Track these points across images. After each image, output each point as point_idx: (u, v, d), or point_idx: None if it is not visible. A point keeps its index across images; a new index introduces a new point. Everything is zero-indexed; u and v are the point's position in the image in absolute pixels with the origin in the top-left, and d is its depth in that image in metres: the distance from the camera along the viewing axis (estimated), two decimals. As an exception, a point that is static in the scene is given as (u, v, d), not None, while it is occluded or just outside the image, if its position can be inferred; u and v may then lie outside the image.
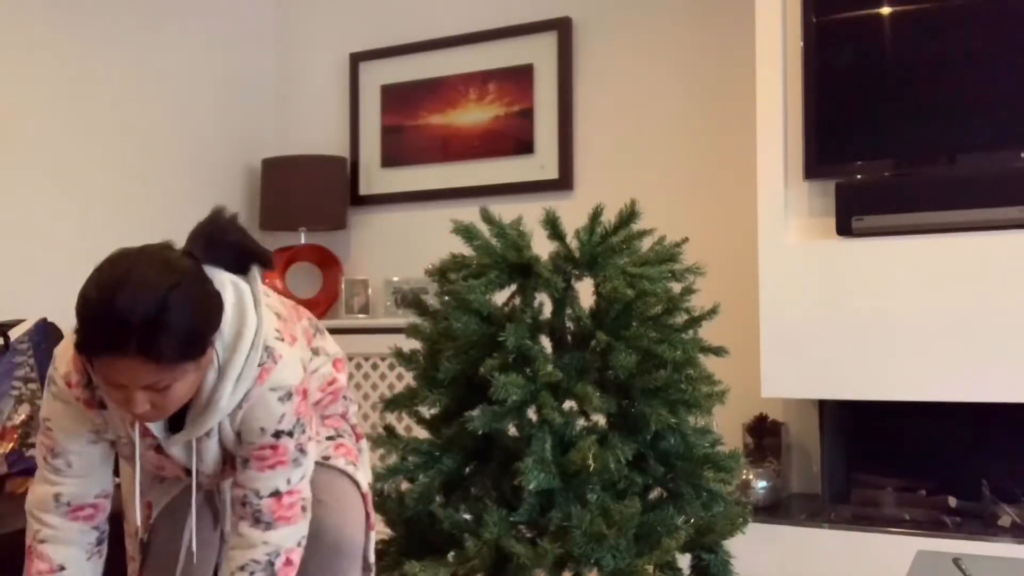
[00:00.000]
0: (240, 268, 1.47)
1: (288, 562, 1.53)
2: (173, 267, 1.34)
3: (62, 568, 1.53)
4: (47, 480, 1.54)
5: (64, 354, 1.50)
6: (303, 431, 1.52)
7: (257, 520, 1.51)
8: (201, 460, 1.55)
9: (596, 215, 1.99)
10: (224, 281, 1.43)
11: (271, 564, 1.51)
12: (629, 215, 1.99)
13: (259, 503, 1.51)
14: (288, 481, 1.52)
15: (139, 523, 1.65)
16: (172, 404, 1.38)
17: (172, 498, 1.69)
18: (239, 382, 1.43)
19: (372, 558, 1.74)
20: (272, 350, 1.47)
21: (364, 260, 3.87)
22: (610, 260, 1.95)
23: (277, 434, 1.49)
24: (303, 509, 1.55)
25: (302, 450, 1.53)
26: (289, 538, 1.52)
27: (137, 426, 1.48)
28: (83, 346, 1.31)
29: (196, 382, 1.40)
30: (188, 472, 1.56)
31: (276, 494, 1.51)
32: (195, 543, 1.63)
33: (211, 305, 1.37)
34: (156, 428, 1.49)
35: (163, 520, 1.70)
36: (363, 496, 1.74)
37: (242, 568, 1.51)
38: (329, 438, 1.77)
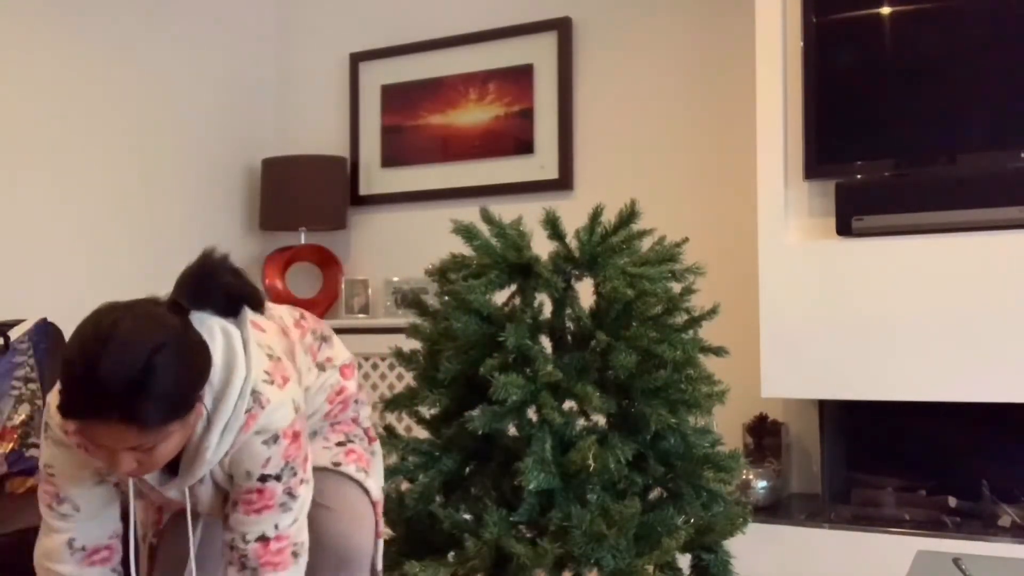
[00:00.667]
0: (230, 311, 1.45)
1: None
2: (158, 325, 1.31)
3: None
4: (55, 529, 1.50)
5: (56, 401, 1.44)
6: (293, 474, 1.47)
7: (243, 566, 1.47)
8: (198, 501, 1.52)
9: (596, 215, 1.99)
10: (213, 327, 1.41)
11: None
12: (629, 215, 1.98)
13: (246, 548, 1.46)
14: (276, 526, 1.47)
15: (148, 528, 1.64)
16: (159, 461, 1.35)
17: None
18: (225, 432, 1.40)
19: (380, 566, 1.71)
20: (259, 395, 1.43)
21: (364, 260, 3.87)
22: (610, 260, 1.94)
23: (263, 478, 1.45)
24: (294, 555, 1.50)
25: (291, 494, 1.48)
26: None
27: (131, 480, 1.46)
28: (65, 410, 1.28)
29: (184, 438, 1.37)
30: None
31: (263, 539, 1.46)
32: (195, 553, 1.59)
33: (198, 363, 1.35)
34: (151, 477, 1.47)
35: (173, 524, 1.69)
36: (373, 504, 1.72)
37: None
38: (339, 444, 1.74)
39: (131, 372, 1.24)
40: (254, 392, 1.42)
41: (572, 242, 2.00)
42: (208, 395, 1.38)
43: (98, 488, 1.50)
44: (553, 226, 1.99)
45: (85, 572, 1.50)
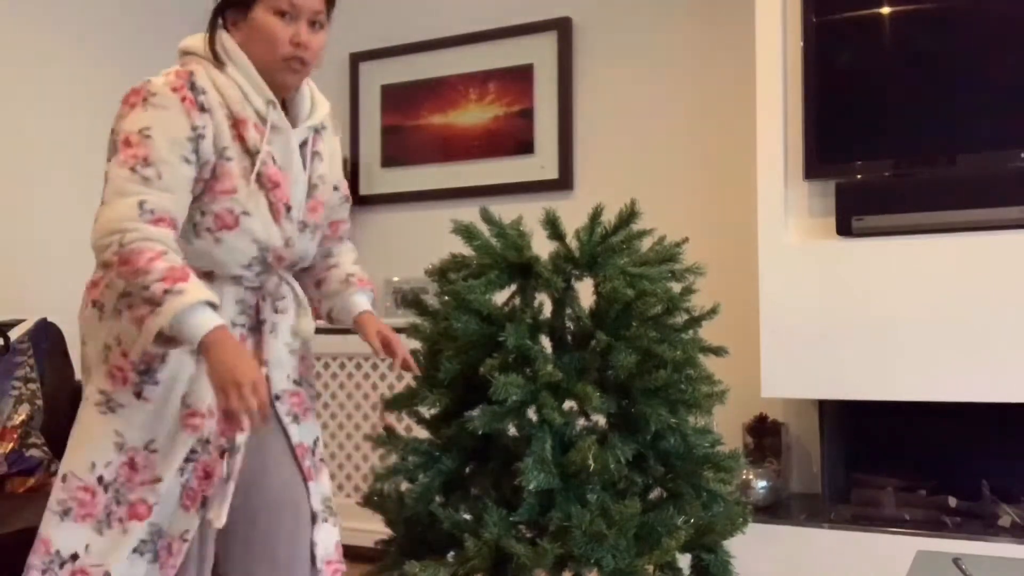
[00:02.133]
0: None
1: None
2: None
3: (164, 253, 1.50)
4: (129, 192, 1.52)
5: (164, 76, 1.62)
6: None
7: (348, 283, 1.89)
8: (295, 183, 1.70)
9: (596, 215, 1.98)
10: None
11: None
12: (629, 215, 1.98)
13: (353, 269, 1.94)
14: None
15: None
16: (316, 48, 1.70)
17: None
18: (317, 103, 1.79)
19: (318, 506, 1.73)
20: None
21: (364, 260, 3.84)
22: (610, 260, 1.94)
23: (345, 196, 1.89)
24: None
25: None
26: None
27: (265, 140, 1.65)
28: None
29: (323, 44, 1.73)
30: (288, 208, 1.68)
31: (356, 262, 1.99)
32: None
33: None
34: (277, 116, 1.67)
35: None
36: (292, 449, 1.74)
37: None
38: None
39: None
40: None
41: (572, 242, 2.00)
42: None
43: (184, 167, 1.58)
44: (553, 226, 1.99)
45: (150, 229, 1.51)
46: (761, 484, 2.79)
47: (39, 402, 2.61)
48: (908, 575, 1.68)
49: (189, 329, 1.48)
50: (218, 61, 1.66)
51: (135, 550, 1.63)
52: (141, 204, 1.51)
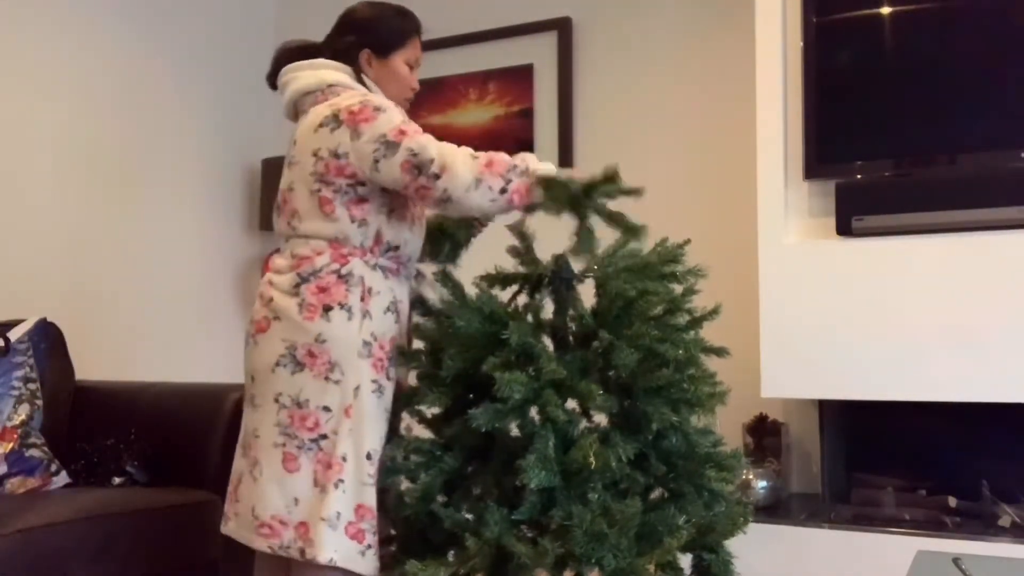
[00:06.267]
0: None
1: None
2: None
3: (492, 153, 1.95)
4: (443, 145, 1.94)
5: (351, 101, 1.97)
6: None
7: None
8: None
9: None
10: None
11: None
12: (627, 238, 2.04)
13: None
14: None
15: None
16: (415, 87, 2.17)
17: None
18: None
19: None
20: None
21: (364, 260, 3.86)
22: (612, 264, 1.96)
23: None
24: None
25: None
26: None
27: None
28: (412, 29, 2.13)
29: None
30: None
31: None
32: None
33: None
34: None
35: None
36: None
37: None
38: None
39: None
40: None
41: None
42: None
43: None
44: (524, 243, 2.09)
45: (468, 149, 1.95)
46: (761, 484, 2.80)
47: (39, 402, 2.61)
48: (908, 575, 1.68)
49: (544, 168, 1.99)
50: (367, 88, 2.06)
51: None
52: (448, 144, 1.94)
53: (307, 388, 1.91)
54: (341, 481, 1.89)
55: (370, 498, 1.91)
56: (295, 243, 1.99)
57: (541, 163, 1.97)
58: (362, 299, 1.94)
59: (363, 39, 2.08)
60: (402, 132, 1.91)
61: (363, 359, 1.93)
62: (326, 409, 1.90)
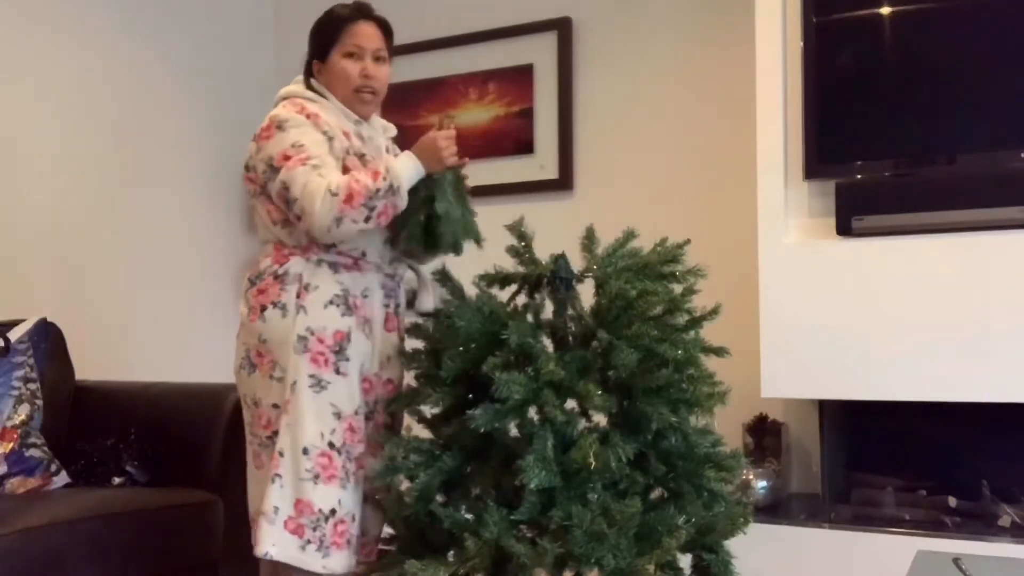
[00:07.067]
0: None
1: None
2: None
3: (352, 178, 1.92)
4: (311, 180, 1.90)
5: (281, 108, 2.03)
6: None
7: None
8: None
9: (590, 235, 2.03)
10: None
11: None
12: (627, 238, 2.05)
13: None
14: None
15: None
16: (382, 80, 2.12)
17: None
18: (386, 127, 2.30)
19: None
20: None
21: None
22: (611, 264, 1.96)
23: None
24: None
25: None
26: None
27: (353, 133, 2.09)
28: (351, 13, 2.08)
29: (389, 75, 2.14)
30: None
31: None
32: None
33: None
34: (368, 128, 2.15)
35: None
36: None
37: None
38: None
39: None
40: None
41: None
42: None
43: (329, 153, 1.99)
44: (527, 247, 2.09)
45: (334, 178, 1.92)
46: (761, 484, 2.79)
47: (39, 402, 2.61)
48: (908, 575, 1.68)
49: (409, 172, 1.95)
50: (317, 95, 2.08)
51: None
52: (320, 177, 1.91)
53: (259, 388, 1.99)
54: (278, 476, 1.92)
55: (309, 493, 1.91)
56: (260, 250, 2.10)
57: (405, 167, 1.95)
58: (298, 295, 1.97)
59: (310, 50, 2.15)
60: (285, 157, 1.94)
61: (299, 354, 1.95)
62: (275, 407, 1.97)
